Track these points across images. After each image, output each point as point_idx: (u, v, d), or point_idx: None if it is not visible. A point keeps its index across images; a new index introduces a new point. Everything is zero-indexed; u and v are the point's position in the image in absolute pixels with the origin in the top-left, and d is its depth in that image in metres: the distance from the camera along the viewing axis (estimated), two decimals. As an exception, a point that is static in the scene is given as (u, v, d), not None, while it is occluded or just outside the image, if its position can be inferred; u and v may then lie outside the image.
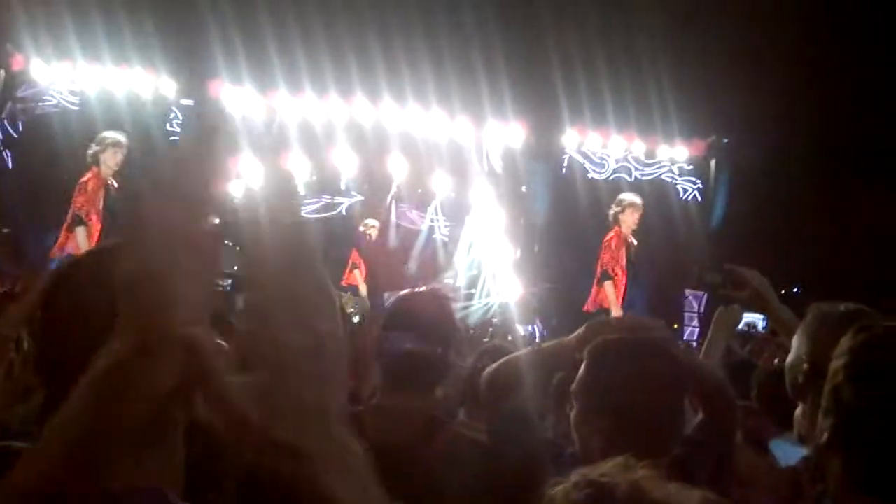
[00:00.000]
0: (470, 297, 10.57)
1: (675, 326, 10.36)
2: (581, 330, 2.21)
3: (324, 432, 0.81)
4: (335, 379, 0.85)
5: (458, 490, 1.90)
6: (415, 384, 1.99)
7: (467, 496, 1.91)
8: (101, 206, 7.92)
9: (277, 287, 0.85)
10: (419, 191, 11.88)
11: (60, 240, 8.01)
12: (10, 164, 9.98)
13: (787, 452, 2.39)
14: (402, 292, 2.23)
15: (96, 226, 7.88)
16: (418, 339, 1.99)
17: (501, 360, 2.38)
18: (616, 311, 8.06)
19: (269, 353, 0.81)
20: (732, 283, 2.14)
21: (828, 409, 1.26)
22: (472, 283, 11.09)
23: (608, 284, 8.32)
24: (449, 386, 2.84)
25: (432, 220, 12.00)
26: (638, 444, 1.83)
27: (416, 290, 2.16)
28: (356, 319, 7.56)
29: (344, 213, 11.93)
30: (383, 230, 11.58)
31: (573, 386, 1.91)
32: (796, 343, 1.78)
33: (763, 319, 6.60)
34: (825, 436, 1.26)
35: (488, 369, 2.38)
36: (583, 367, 1.87)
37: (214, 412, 0.83)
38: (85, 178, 7.95)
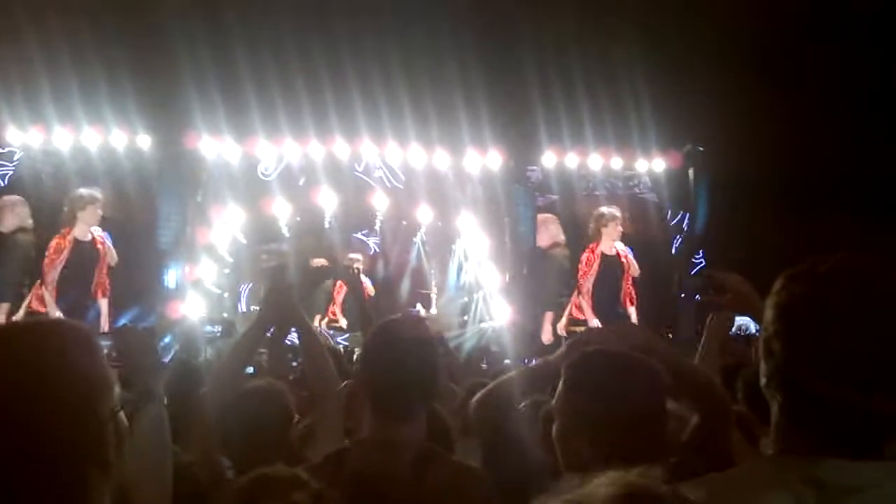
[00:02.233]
0: (463, 324, 10.58)
1: (670, 335, 10.41)
2: (563, 347, 2.25)
3: None
4: None
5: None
6: (402, 413, 1.98)
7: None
8: (59, 270, 7.78)
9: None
10: (403, 223, 11.93)
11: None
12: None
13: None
14: (378, 322, 2.25)
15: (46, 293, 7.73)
16: (400, 366, 2.00)
17: (489, 385, 2.40)
18: (592, 323, 8.18)
19: None
20: (713, 288, 2.17)
21: (764, 354, 1.36)
22: (464, 310, 11.11)
23: (582, 299, 8.48)
24: (447, 417, 2.85)
25: (418, 251, 12.05)
26: (619, 456, 1.84)
27: (393, 318, 2.17)
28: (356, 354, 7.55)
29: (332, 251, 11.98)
30: (369, 264, 11.62)
31: (553, 403, 1.92)
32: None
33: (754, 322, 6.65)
34: (764, 379, 1.35)
35: (477, 395, 2.39)
36: (560, 383, 1.88)
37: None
38: (52, 244, 7.90)
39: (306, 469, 1.87)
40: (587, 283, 8.82)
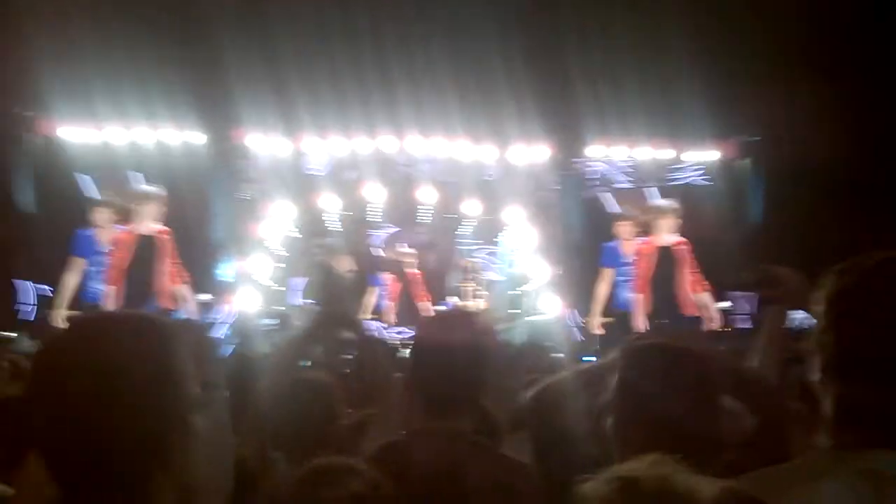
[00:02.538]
0: (512, 317, 10.55)
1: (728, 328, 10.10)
2: (618, 350, 2.24)
3: None
4: None
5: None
6: (450, 406, 1.99)
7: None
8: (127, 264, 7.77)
9: None
10: (451, 217, 11.95)
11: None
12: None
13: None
14: (427, 315, 2.24)
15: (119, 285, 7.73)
16: (448, 360, 2.00)
17: (545, 382, 2.39)
18: (640, 321, 7.97)
19: None
20: (766, 283, 2.13)
21: (816, 350, 1.37)
22: (513, 303, 11.08)
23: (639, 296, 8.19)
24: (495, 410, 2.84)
25: (467, 245, 12.07)
26: (672, 452, 1.81)
27: (441, 312, 2.18)
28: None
29: (382, 245, 12.08)
30: (418, 258, 11.67)
31: (608, 396, 1.90)
32: None
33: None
34: (818, 374, 1.37)
35: (532, 391, 2.38)
36: (616, 377, 1.86)
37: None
38: (117, 236, 7.91)
39: (361, 460, 1.89)
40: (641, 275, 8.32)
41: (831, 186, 9.91)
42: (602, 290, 8.60)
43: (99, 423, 1.12)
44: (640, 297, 8.17)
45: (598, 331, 8.63)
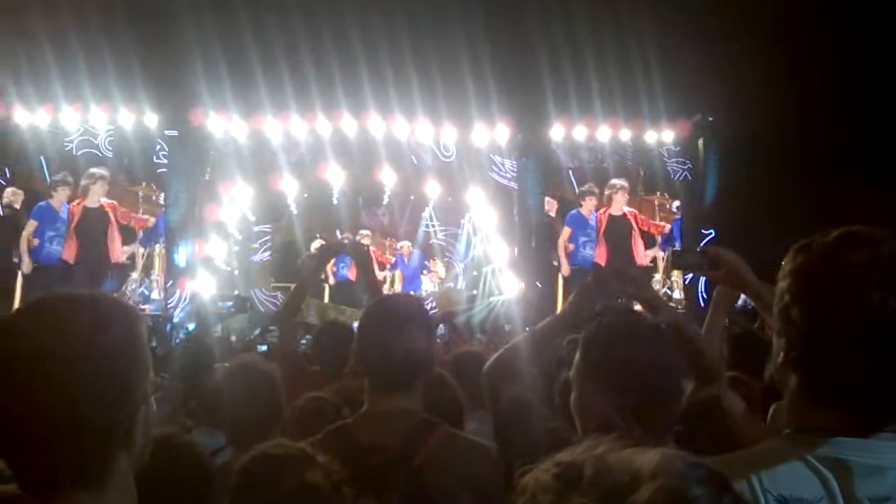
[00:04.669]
0: (472, 298, 10.60)
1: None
2: (571, 297, 2.29)
3: None
4: None
5: (450, 490, 1.91)
6: (394, 385, 2.00)
7: (462, 496, 1.92)
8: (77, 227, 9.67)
9: None
10: (411, 198, 11.93)
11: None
12: None
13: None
14: (374, 298, 2.25)
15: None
16: (390, 339, 2.01)
17: (498, 352, 2.41)
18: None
19: None
20: (709, 263, 2.16)
21: (779, 329, 1.32)
22: (473, 284, 11.13)
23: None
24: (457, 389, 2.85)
25: (427, 226, 12.06)
26: (635, 421, 1.85)
27: (387, 294, 2.19)
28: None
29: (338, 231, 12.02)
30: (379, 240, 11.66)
31: (571, 372, 1.93)
32: None
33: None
34: (780, 355, 1.32)
35: (487, 364, 2.40)
36: (579, 351, 1.89)
37: None
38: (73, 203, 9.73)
39: (309, 444, 1.87)
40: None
41: (783, 163, 10.09)
42: (561, 242, 10.41)
43: (64, 407, 1.11)
44: (600, 252, 10.15)
45: (566, 273, 10.35)
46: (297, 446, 1.72)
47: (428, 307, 9.60)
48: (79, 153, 10.32)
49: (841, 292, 1.24)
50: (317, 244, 10.87)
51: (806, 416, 1.30)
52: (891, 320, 1.21)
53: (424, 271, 11.59)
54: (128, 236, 10.19)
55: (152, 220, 10.30)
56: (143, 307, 9.50)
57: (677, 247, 10.47)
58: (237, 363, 2.81)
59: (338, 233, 11.72)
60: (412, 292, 10.60)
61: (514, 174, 11.11)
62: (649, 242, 10.76)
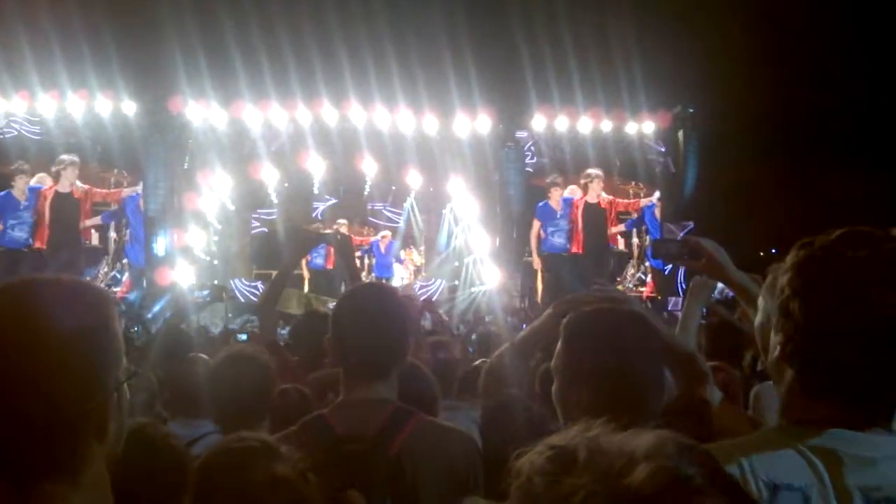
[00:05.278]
0: (454, 288, 10.60)
1: (659, 297, 10.48)
2: (550, 308, 2.27)
3: None
4: None
5: (429, 477, 1.91)
6: (369, 373, 1.99)
7: (441, 483, 1.93)
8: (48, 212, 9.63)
9: None
10: (393, 188, 11.89)
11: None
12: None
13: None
14: (349, 288, 2.25)
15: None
16: (365, 327, 2.01)
17: (494, 356, 2.43)
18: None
19: None
20: (688, 253, 2.16)
21: (778, 323, 1.33)
22: (455, 275, 11.13)
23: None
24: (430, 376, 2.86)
25: (408, 216, 12.05)
26: (617, 414, 1.86)
27: (362, 283, 2.19)
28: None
29: (319, 216, 11.98)
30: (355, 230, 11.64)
31: (552, 361, 1.93)
32: (762, 304, 1.81)
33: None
34: (777, 349, 1.32)
35: (489, 362, 2.42)
36: (560, 341, 1.89)
37: None
38: (45, 188, 9.68)
39: (285, 436, 1.86)
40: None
41: (762, 151, 10.19)
42: (532, 236, 10.53)
43: (31, 395, 1.09)
44: (575, 238, 10.28)
45: (536, 266, 10.50)
46: (259, 438, 1.68)
47: (421, 295, 9.71)
48: (53, 139, 10.25)
49: (842, 288, 1.25)
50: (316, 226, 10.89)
51: (801, 409, 1.30)
52: (890, 316, 1.22)
53: (397, 261, 11.60)
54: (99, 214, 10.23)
55: (125, 191, 10.19)
56: (114, 290, 9.50)
57: (653, 235, 10.59)
58: (234, 351, 2.78)
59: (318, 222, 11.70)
60: (384, 279, 10.64)
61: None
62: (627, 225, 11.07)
